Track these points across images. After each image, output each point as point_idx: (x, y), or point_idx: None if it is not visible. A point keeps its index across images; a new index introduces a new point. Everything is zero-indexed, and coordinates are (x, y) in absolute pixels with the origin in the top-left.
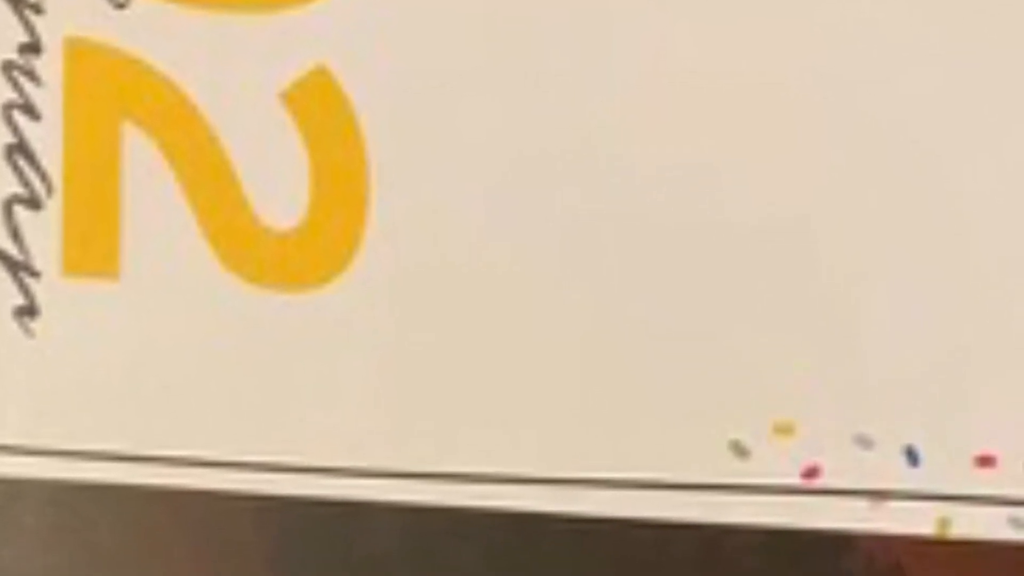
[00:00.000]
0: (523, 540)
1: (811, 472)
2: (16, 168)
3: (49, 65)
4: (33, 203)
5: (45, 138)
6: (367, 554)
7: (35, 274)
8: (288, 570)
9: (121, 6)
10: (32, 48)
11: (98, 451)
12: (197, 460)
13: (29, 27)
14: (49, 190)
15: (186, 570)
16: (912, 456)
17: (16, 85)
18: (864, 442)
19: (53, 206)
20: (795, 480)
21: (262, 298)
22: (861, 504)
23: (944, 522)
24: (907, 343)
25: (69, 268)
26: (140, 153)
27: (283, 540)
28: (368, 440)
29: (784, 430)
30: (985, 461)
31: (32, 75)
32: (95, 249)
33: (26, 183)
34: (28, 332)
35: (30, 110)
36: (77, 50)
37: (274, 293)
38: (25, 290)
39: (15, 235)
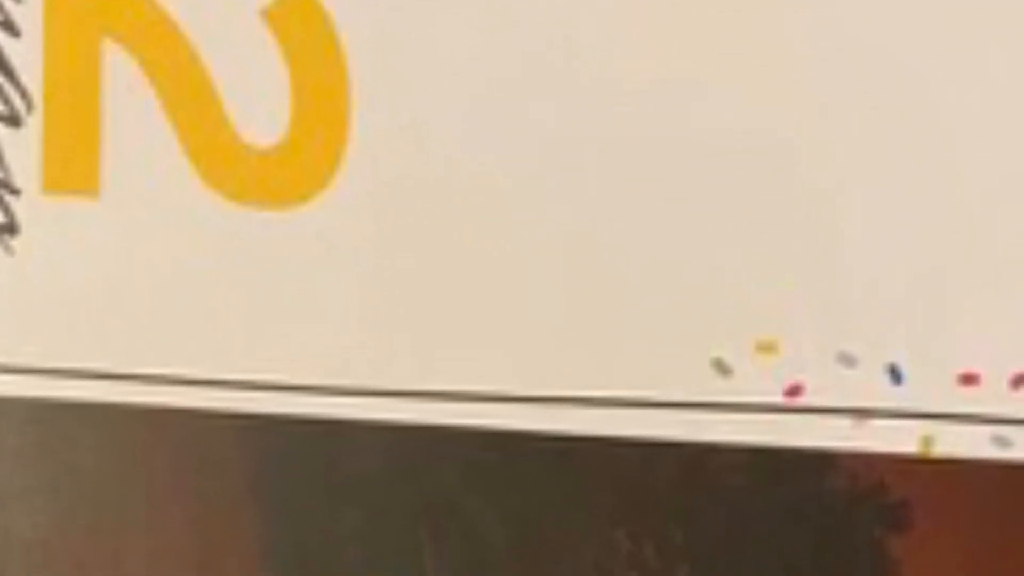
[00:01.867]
0: (505, 459)
1: (794, 390)
2: None
3: None
4: (13, 120)
5: (25, 55)
6: (348, 472)
7: (15, 192)
8: (269, 488)
9: None
10: None
11: (79, 369)
12: (178, 378)
13: None
14: (29, 107)
15: (167, 488)
16: (895, 374)
17: None
18: (847, 360)
19: (33, 123)
20: (778, 398)
21: (243, 215)
22: (844, 422)
23: (927, 440)
24: (890, 261)
25: (49, 185)
26: (120, 70)
27: (264, 459)
28: (349, 358)
29: (767, 348)
30: (968, 379)
31: None
32: (75, 166)
33: (6, 100)
34: (8, 250)
35: (10, 27)
36: None
37: (255, 210)
38: (5, 208)
39: None
